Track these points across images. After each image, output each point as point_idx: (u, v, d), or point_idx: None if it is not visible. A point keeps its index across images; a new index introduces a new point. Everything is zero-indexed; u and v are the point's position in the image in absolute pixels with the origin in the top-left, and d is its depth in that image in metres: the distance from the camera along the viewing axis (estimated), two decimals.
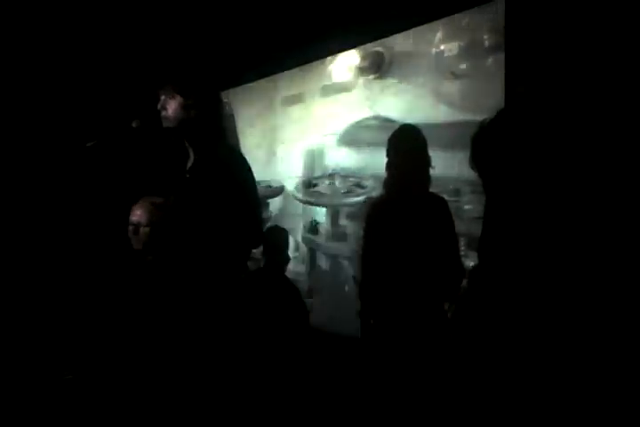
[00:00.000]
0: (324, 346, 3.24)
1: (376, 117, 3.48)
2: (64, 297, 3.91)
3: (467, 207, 2.80)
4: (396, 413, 2.33)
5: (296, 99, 4.19)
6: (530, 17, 2.60)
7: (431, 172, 2.43)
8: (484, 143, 1.57)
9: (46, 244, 4.01)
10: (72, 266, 3.99)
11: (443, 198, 2.44)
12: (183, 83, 2.00)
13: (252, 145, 4.47)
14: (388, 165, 2.48)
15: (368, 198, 2.71)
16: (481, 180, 1.60)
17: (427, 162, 2.43)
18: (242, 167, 2.02)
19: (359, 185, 3.51)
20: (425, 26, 3.19)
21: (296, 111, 4.20)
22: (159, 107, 2.00)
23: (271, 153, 4.41)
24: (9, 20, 3.89)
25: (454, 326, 1.72)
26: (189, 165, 2.07)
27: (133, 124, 1.99)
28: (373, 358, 2.45)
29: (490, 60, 2.84)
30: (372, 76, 3.54)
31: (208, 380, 1.97)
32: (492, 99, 2.63)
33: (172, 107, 1.98)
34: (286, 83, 4.29)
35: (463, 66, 2.99)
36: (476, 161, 1.59)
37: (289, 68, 4.21)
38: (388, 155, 2.50)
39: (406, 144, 2.45)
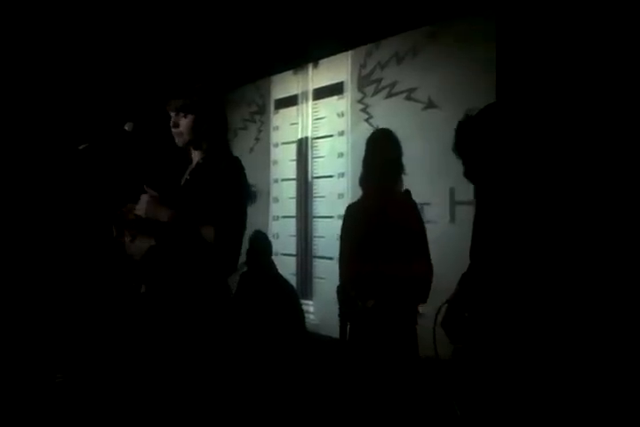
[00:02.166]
0: (317, 348, 3.25)
1: None
2: (53, 300, 3.90)
3: None
4: (378, 413, 2.34)
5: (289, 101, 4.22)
6: (520, 18, 2.62)
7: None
8: (471, 132, 1.59)
9: (37, 246, 4.00)
10: (62, 269, 3.99)
11: (412, 200, 2.52)
12: (194, 101, 2.03)
13: (243, 148, 4.50)
14: (363, 167, 2.58)
15: None
16: (464, 167, 1.62)
17: (399, 165, 2.53)
18: (241, 178, 2.05)
19: None
20: None
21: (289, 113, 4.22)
22: (171, 124, 2.04)
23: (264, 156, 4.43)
24: (7, 22, 3.89)
25: (446, 331, 1.73)
26: (192, 167, 2.10)
27: (126, 127, 2.00)
28: (353, 358, 2.48)
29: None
30: None
31: (203, 379, 1.97)
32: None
33: (184, 125, 2.03)
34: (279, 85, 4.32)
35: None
36: (460, 148, 1.61)
37: (282, 70, 4.23)
38: (364, 157, 2.59)
39: (381, 148, 2.54)
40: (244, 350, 2.30)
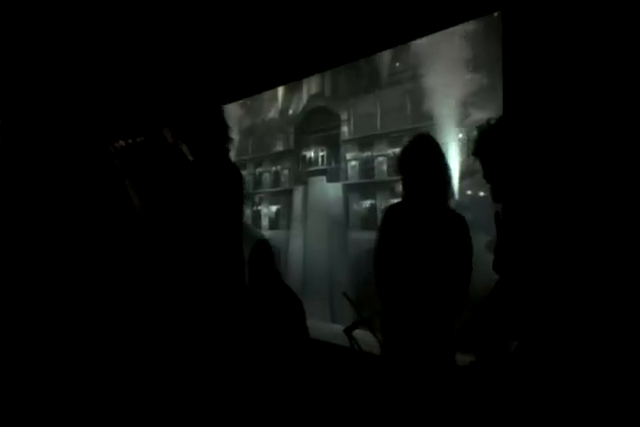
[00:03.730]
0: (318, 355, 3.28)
1: None
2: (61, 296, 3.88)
3: None
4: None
5: None
6: (526, 24, 2.63)
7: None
8: (490, 138, 1.72)
9: (48, 242, 4.01)
10: (72, 266, 4.00)
11: (462, 217, 2.41)
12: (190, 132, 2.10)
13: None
14: (404, 182, 2.41)
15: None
16: (483, 170, 1.76)
17: (443, 175, 2.36)
18: (238, 182, 2.13)
19: None
20: None
21: None
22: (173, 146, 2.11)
23: None
24: (14, 25, 3.92)
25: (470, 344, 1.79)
26: (185, 166, 2.14)
27: (165, 133, 2.06)
28: (385, 370, 2.48)
29: None
30: None
31: (206, 381, 2.02)
32: None
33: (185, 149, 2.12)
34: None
35: None
36: (479, 153, 1.75)
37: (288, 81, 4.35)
38: (401, 168, 2.40)
39: (421, 156, 2.35)
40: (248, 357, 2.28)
